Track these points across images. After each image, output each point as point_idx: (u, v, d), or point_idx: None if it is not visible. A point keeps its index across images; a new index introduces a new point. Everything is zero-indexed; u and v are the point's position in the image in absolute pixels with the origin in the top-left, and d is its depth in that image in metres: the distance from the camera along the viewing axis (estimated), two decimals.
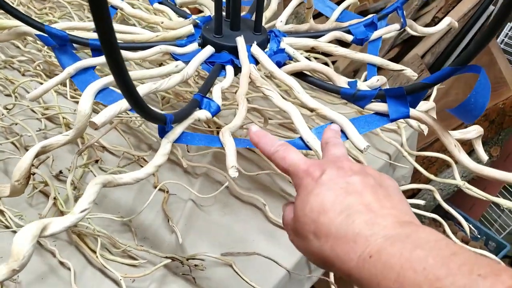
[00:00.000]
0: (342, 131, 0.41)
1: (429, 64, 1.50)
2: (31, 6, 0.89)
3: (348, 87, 0.46)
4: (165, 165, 0.63)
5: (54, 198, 0.51)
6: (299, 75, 0.49)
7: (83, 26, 0.48)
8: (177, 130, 0.38)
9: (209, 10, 0.58)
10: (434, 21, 1.50)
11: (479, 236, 1.45)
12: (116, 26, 0.50)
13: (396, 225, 0.24)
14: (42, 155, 0.37)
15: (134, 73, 0.42)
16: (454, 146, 0.40)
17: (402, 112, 0.42)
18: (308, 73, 0.50)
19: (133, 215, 0.52)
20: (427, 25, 1.49)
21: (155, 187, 0.58)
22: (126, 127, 0.68)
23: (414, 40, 1.53)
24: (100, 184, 0.32)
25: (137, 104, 0.28)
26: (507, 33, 1.34)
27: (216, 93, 0.43)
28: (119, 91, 0.40)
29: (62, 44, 0.45)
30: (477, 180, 1.27)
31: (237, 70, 0.49)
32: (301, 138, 0.40)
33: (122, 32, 0.49)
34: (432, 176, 0.69)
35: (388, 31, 0.59)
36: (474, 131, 0.44)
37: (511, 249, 1.42)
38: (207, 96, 0.42)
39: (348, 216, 0.25)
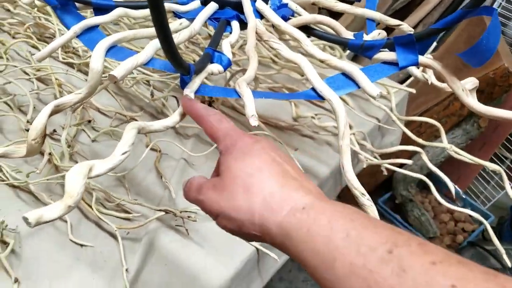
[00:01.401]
0: (353, 80, 0.41)
1: None
2: None
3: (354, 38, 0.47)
4: None
5: (49, 154, 0.51)
6: (304, 30, 0.50)
7: None
8: (197, 81, 0.38)
9: None
10: None
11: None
12: None
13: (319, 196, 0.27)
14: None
15: (138, 31, 0.42)
16: (462, 91, 0.40)
17: (411, 59, 0.42)
18: (313, 26, 0.50)
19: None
20: None
21: (147, 147, 0.59)
22: (118, 88, 0.69)
23: (406, 11, 1.53)
24: (136, 128, 0.33)
25: (171, 50, 0.30)
26: (501, 3, 1.34)
27: (225, 47, 0.43)
28: (128, 49, 0.40)
29: (64, 4, 0.44)
30: (464, 150, 1.30)
31: (242, 25, 0.49)
32: (313, 88, 0.41)
33: None
34: (420, 140, 0.70)
35: None
36: (470, 83, 0.45)
37: (495, 220, 1.47)
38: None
39: (284, 178, 0.28)
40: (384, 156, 0.72)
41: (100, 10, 0.43)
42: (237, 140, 0.30)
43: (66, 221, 0.48)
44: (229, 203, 0.28)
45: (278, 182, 0.27)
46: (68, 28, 0.40)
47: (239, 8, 0.48)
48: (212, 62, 0.40)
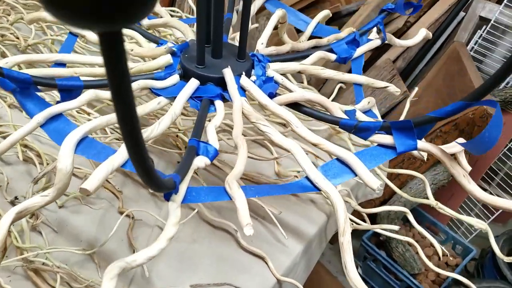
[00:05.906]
0: (350, 167, 0.38)
1: (401, 69, 1.51)
2: None
3: (346, 116, 0.44)
4: (130, 187, 0.60)
5: (8, 231, 0.47)
6: (293, 104, 0.47)
7: (44, 59, 0.43)
8: (183, 189, 0.34)
9: (183, 34, 0.54)
10: (406, 25, 1.52)
11: (447, 237, 1.48)
12: (81, 57, 0.45)
13: None
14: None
15: (112, 117, 0.37)
16: (463, 177, 0.39)
17: (409, 144, 0.40)
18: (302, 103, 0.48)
19: (96, 244, 0.49)
20: (399, 30, 1.50)
21: (121, 213, 0.55)
22: None
23: (385, 46, 1.54)
24: (116, 277, 0.28)
25: (148, 174, 0.24)
26: (477, 41, 1.36)
27: (211, 135, 0.39)
28: (99, 140, 0.36)
29: (25, 87, 0.38)
30: (446, 187, 1.30)
31: (226, 101, 0.45)
32: (307, 177, 0.38)
33: (89, 63, 0.44)
34: (405, 195, 0.68)
35: (370, 47, 0.58)
36: (455, 147, 0.43)
37: (477, 252, 1.47)
38: (201, 139, 0.39)
39: None
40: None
41: (66, 91, 0.39)
42: None
43: None
44: None
45: None
46: (30, 116, 0.36)
47: (221, 83, 0.44)
48: (197, 154, 0.36)
